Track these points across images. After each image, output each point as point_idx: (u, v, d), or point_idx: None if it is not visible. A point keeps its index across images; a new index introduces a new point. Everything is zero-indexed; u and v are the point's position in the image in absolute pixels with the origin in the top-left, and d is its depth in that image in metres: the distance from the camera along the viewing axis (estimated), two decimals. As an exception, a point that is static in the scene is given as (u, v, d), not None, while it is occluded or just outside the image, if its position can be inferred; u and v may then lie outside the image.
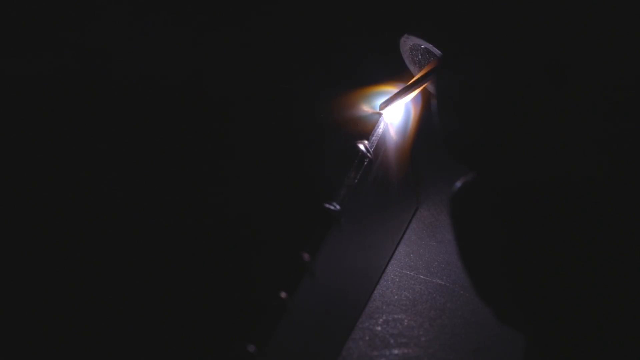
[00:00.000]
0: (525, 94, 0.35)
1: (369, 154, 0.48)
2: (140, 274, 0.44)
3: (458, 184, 0.38)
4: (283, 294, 0.42)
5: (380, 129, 0.50)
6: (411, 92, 0.51)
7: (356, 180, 0.47)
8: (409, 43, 0.52)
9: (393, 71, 0.54)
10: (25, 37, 0.55)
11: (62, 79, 0.52)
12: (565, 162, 0.35)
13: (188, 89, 0.53)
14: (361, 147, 0.48)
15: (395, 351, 0.50)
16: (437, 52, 0.51)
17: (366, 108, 0.52)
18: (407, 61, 0.54)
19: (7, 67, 0.52)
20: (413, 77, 0.53)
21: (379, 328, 0.51)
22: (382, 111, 0.51)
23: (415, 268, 0.54)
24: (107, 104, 0.52)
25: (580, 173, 0.35)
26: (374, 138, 0.49)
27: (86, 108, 0.52)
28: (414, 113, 0.54)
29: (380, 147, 0.50)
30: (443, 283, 0.53)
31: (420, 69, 0.54)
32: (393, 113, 0.52)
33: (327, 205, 0.45)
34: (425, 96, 0.53)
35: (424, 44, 0.51)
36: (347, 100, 0.52)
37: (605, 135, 0.34)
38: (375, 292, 0.53)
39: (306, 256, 0.43)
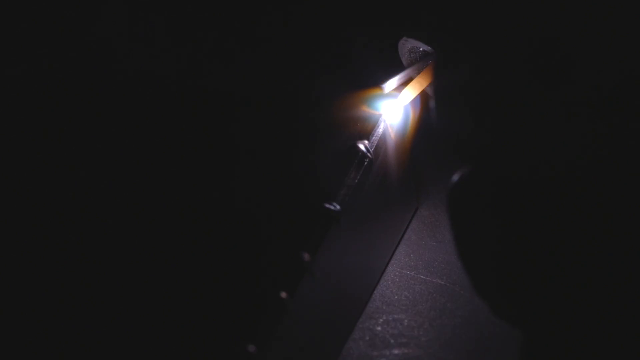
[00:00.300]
0: (523, 93, 0.35)
1: (369, 154, 0.48)
2: (141, 274, 0.44)
3: (455, 177, 0.38)
4: (283, 294, 0.42)
5: (380, 129, 0.50)
6: (411, 69, 0.51)
7: (356, 180, 0.47)
8: (408, 45, 0.53)
9: (392, 73, 0.54)
10: (25, 37, 0.55)
11: (62, 79, 0.52)
12: (565, 161, 0.35)
13: (188, 89, 0.53)
14: (361, 147, 0.48)
15: (395, 351, 0.50)
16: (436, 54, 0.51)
17: (366, 109, 0.52)
18: (405, 63, 0.54)
19: (7, 67, 0.52)
20: (412, 79, 0.53)
21: (379, 328, 0.51)
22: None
23: (415, 268, 0.54)
24: (107, 104, 0.52)
25: (579, 172, 0.35)
26: (374, 138, 0.50)
27: (86, 108, 0.52)
28: (413, 113, 0.54)
29: (380, 147, 0.50)
30: (443, 283, 0.53)
31: (419, 71, 0.54)
32: (393, 114, 0.52)
33: (327, 205, 0.45)
34: (424, 97, 0.53)
35: (422, 47, 0.52)
36: (347, 101, 0.52)
37: (604, 134, 0.34)
38: (375, 292, 0.53)
39: (306, 256, 0.43)
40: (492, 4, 0.37)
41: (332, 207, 0.45)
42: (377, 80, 0.53)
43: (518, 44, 0.36)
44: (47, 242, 0.46)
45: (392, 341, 0.50)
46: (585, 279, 0.36)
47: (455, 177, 0.38)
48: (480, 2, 0.37)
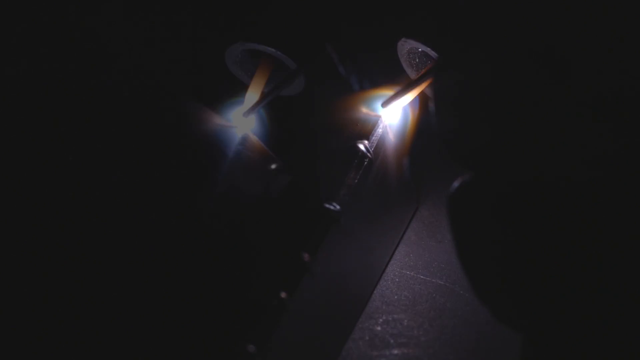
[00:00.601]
0: (523, 94, 0.35)
1: (369, 154, 0.48)
2: (141, 274, 0.44)
3: (456, 184, 0.38)
4: (283, 294, 0.42)
5: (380, 129, 0.50)
6: (411, 91, 0.52)
7: (356, 180, 0.47)
8: (407, 46, 0.53)
9: (391, 74, 0.54)
10: (24, 36, 0.54)
11: (61, 79, 0.52)
12: (564, 162, 0.35)
13: (189, 89, 0.53)
14: (361, 147, 0.48)
15: (395, 351, 0.50)
16: (434, 55, 0.51)
17: (365, 110, 0.52)
18: (404, 64, 0.54)
19: (7, 67, 0.52)
20: (410, 79, 0.53)
21: (379, 328, 0.51)
22: (383, 109, 0.51)
23: (415, 268, 0.54)
24: (106, 104, 0.52)
25: (578, 173, 0.35)
26: (373, 138, 0.50)
27: (85, 108, 0.52)
28: (412, 114, 0.54)
29: (380, 147, 0.50)
30: (443, 283, 0.53)
31: (418, 72, 0.54)
32: (392, 114, 0.52)
33: (327, 205, 0.45)
34: (424, 98, 0.53)
35: (421, 47, 0.52)
36: (346, 102, 0.52)
37: (603, 135, 0.34)
38: (375, 292, 0.53)
39: (306, 256, 0.43)
40: (492, 4, 0.37)
41: (332, 207, 0.45)
42: (376, 81, 0.53)
43: (518, 44, 0.36)
44: (46, 242, 0.46)
45: (392, 341, 0.50)
46: (585, 279, 0.36)
47: (456, 179, 0.38)
48: (480, 2, 0.37)
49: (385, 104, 0.51)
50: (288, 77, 0.51)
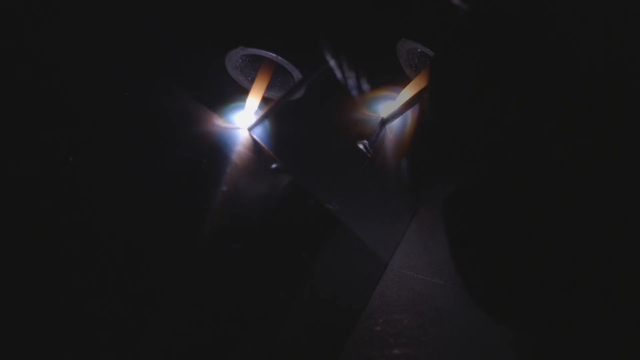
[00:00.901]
0: (521, 94, 0.35)
1: (369, 154, 0.48)
2: (141, 274, 0.44)
3: (455, 185, 0.38)
4: (283, 294, 0.42)
5: (380, 130, 0.51)
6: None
7: (356, 180, 0.47)
8: (406, 47, 0.53)
9: (390, 74, 0.54)
10: (23, 35, 0.54)
11: (62, 80, 0.52)
12: (563, 162, 0.35)
13: (190, 92, 0.53)
14: (361, 147, 0.49)
15: (395, 351, 0.50)
16: (432, 55, 0.51)
17: (365, 111, 0.52)
18: (403, 65, 0.55)
19: (6, 67, 0.52)
20: (409, 80, 0.53)
21: (379, 328, 0.51)
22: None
23: (415, 268, 0.54)
24: (106, 104, 0.52)
25: (577, 173, 0.35)
26: (373, 138, 0.50)
27: (85, 108, 0.52)
28: (412, 115, 0.54)
29: (380, 147, 0.50)
30: (442, 283, 0.53)
31: (417, 72, 0.54)
32: (392, 114, 0.52)
33: (327, 205, 0.46)
34: (423, 100, 0.53)
35: (420, 48, 0.52)
36: (346, 103, 0.52)
37: (602, 135, 0.34)
38: (375, 292, 0.53)
39: (306, 256, 0.44)
40: (489, 4, 0.37)
41: (332, 207, 0.46)
42: (376, 82, 0.53)
43: (514, 45, 0.36)
44: (46, 242, 0.46)
45: (392, 341, 0.50)
46: (584, 279, 0.36)
47: (456, 180, 0.38)
48: (478, 2, 0.37)
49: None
50: (293, 89, 0.51)
